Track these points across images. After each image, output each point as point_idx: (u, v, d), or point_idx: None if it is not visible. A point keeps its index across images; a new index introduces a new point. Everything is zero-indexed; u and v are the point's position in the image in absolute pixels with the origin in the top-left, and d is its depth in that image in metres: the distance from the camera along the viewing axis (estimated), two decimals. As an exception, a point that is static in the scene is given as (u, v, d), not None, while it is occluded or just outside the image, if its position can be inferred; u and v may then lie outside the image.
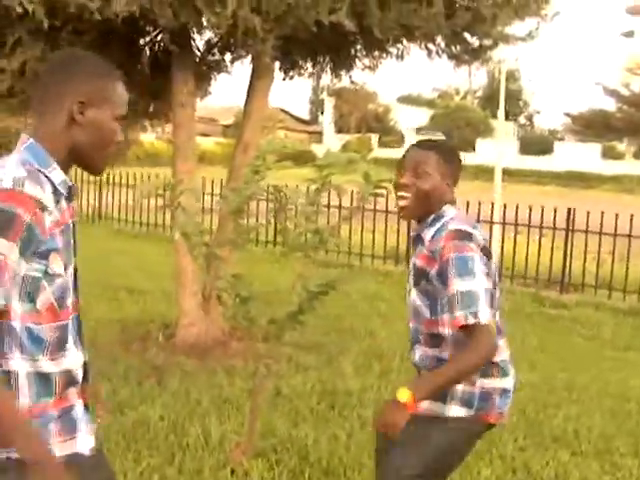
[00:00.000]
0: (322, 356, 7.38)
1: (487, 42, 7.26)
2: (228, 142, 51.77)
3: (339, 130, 62.37)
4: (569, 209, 11.60)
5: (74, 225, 2.27)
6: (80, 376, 2.30)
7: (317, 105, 74.19)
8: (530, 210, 11.67)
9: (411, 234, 3.19)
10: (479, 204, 11.90)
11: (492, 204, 12.82)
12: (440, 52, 7.28)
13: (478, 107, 66.90)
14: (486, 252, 2.99)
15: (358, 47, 8.11)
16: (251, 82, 7.85)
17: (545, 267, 11.63)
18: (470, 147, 52.55)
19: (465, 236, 2.95)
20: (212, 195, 14.16)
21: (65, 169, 2.22)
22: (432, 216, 3.09)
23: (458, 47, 7.21)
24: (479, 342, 2.81)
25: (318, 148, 56.48)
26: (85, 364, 2.33)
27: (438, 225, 3.06)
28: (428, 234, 3.07)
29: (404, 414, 2.73)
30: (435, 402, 3.07)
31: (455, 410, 3.09)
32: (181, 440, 5.07)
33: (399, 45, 7.71)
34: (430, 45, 7.30)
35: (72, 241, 2.24)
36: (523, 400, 6.15)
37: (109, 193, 17.99)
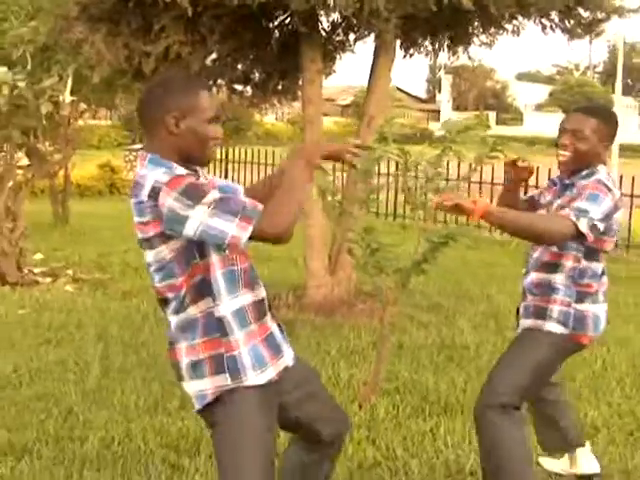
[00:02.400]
0: (441, 315, 7.87)
1: (600, 15, 7.57)
2: (346, 121, 52.41)
3: (456, 108, 62.14)
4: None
5: None
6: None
7: (434, 84, 74.07)
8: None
9: (563, 181, 3.72)
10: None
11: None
12: (554, 27, 7.63)
13: (598, 82, 65.51)
14: (617, 209, 3.52)
15: (475, 24, 8.47)
16: (374, 60, 8.33)
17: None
18: (590, 123, 51.61)
19: (607, 187, 3.49)
20: (334, 171, 14.74)
21: (186, 167, 2.76)
22: (586, 171, 3.61)
23: (571, 21, 7.54)
24: (565, 229, 3.33)
25: (436, 126, 56.48)
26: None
27: (591, 178, 3.57)
28: (580, 183, 3.57)
29: (467, 208, 3.28)
30: (536, 320, 3.66)
31: (553, 326, 3.63)
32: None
33: (514, 21, 8.08)
34: (544, 20, 7.65)
35: None
36: (633, 353, 6.52)
37: (234, 170, 18.81)
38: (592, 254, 3.62)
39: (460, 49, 9.32)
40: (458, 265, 10.45)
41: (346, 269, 8.11)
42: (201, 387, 2.79)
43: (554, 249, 3.62)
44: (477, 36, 8.75)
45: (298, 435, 3.25)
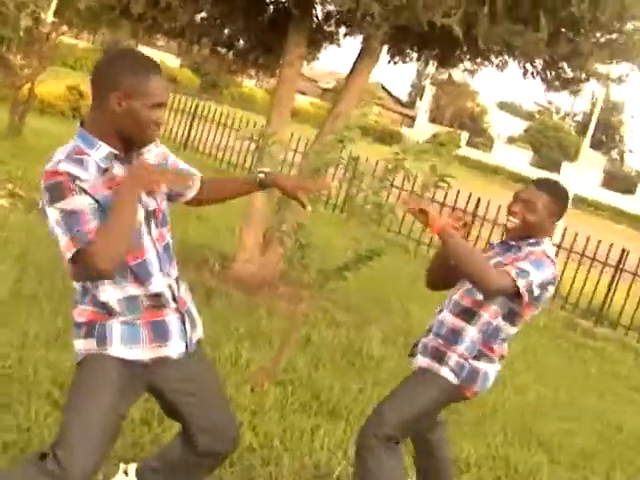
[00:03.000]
0: (356, 318, 8.00)
1: (580, 75, 7.74)
2: (322, 104, 52.39)
3: (432, 120, 62.56)
4: (623, 249, 12.02)
5: None
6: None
7: (417, 90, 74.35)
8: (587, 241, 12.06)
9: (507, 242, 3.84)
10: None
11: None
12: (535, 74, 7.78)
13: (574, 130, 66.39)
14: (553, 283, 3.71)
15: (464, 50, 8.61)
16: (357, 58, 8.41)
17: (587, 297, 12.05)
18: (555, 168, 52.38)
19: (551, 260, 3.67)
20: (296, 151, 14.81)
21: (117, 145, 2.81)
22: (532, 240, 3.75)
23: (553, 73, 7.69)
24: (503, 282, 3.52)
25: (408, 132, 56.82)
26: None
27: (537, 247, 3.71)
28: (525, 249, 3.72)
29: (432, 217, 3.50)
30: (433, 362, 3.79)
31: (447, 373, 3.76)
32: (214, 354, 5.74)
33: (500, 57, 8.22)
34: (527, 65, 7.80)
35: None
36: (526, 402, 6.73)
37: (199, 126, 18.75)
38: (512, 317, 3.75)
39: (445, 69, 9.50)
40: (389, 273, 10.59)
41: (277, 252, 8.18)
42: (78, 346, 2.95)
43: (478, 296, 3.71)
44: (463, 61, 8.88)
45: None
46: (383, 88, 61.99)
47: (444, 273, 3.90)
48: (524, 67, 7.73)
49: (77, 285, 2.93)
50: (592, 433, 6.79)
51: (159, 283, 2.96)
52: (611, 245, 11.85)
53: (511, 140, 63.43)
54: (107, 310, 2.89)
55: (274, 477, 4.35)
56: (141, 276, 2.90)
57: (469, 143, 58.54)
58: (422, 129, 58.62)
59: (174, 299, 3.01)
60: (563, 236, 12.77)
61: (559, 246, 12.64)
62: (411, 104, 73.46)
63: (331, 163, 4.72)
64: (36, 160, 11.38)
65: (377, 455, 3.72)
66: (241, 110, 25.63)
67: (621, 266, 12.04)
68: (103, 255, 2.65)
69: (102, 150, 2.79)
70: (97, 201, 2.72)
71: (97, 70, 2.82)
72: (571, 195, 15.30)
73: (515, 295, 3.58)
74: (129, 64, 2.78)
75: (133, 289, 2.90)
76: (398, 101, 70.93)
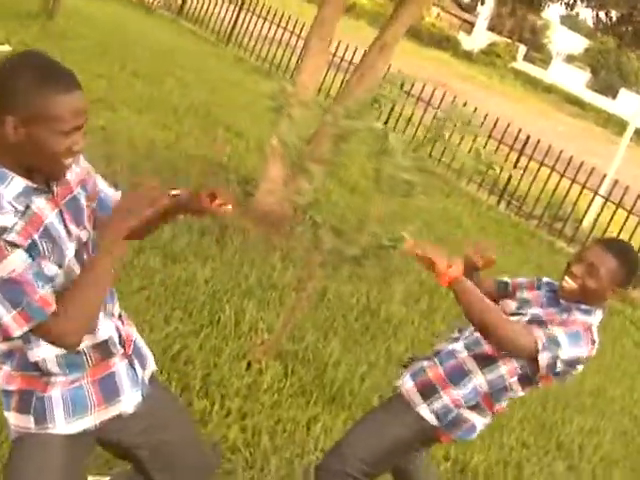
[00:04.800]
0: (380, 270, 7.39)
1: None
2: (380, 1, 50.77)
3: (492, 28, 60.47)
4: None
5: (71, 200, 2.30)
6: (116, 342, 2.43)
7: (481, -6, 71.75)
8: (638, 197, 11.30)
9: (555, 295, 3.27)
10: (591, 170, 11.67)
11: (604, 175, 12.54)
12: (608, 27, 6.99)
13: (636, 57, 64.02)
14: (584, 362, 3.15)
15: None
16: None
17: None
18: (611, 93, 50.72)
19: (592, 340, 3.10)
20: (334, 55, 14.06)
21: (31, 176, 2.17)
22: (584, 307, 3.16)
23: (629, 29, 6.90)
24: (525, 348, 3.00)
25: (465, 38, 55.14)
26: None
27: (584, 317, 3.14)
28: (573, 314, 3.15)
29: (440, 267, 2.99)
30: (416, 394, 3.30)
31: (427, 414, 3.27)
32: (215, 314, 5.22)
33: None
34: (601, 14, 7.00)
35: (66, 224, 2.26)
36: (546, 395, 6.17)
37: (245, 19, 17.88)
38: (526, 380, 3.22)
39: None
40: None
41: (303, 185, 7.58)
42: (11, 420, 2.38)
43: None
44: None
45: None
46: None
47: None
48: (597, 16, 6.92)
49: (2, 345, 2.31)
50: (618, 433, 6.25)
51: (105, 328, 2.40)
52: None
53: (570, 59, 61.29)
54: (42, 372, 2.31)
55: (256, 485, 3.88)
56: None
57: (526, 57, 56.74)
58: (480, 37, 56.79)
59: (120, 342, 2.46)
60: (612, 187, 12.02)
61: (606, 199, 11.93)
62: (472, 9, 71.01)
63: (357, 132, 4.08)
64: (65, 50, 10.78)
65: None
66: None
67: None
68: (74, 331, 2.15)
69: (15, 185, 2.13)
70: (29, 249, 2.10)
71: None
72: (632, 130, 14.46)
73: (534, 363, 3.02)
74: (28, 78, 2.07)
75: None
76: (458, 4, 68.57)
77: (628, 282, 3.18)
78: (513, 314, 3.29)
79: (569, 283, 3.16)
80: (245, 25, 17.75)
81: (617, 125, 38.26)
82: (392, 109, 13.04)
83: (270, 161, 7.72)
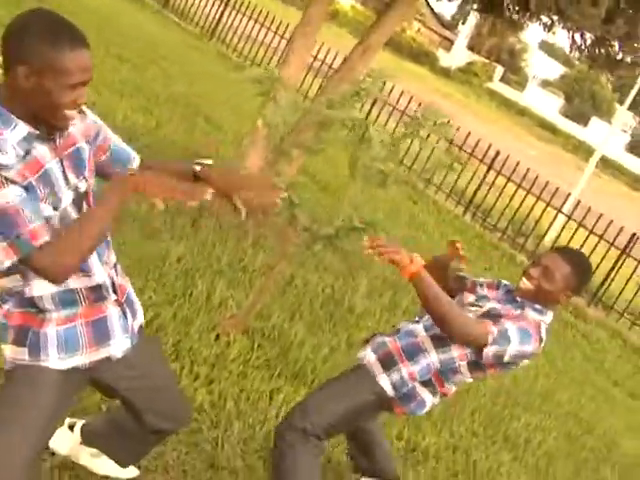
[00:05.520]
0: (346, 264, 7.64)
1: (629, 59, 7.26)
2: (362, 11, 51.24)
3: (471, 47, 61.15)
4: (634, 234, 11.63)
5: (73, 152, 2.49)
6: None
7: (462, 13, 72.49)
8: (598, 219, 11.65)
9: (513, 295, 3.52)
10: (556, 190, 12.01)
11: (568, 194, 12.92)
12: (582, 47, 7.29)
13: (610, 86, 64.99)
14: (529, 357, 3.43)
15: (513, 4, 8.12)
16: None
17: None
18: (582, 121, 51.49)
19: (540, 337, 3.36)
20: (315, 58, 14.37)
21: (35, 124, 2.35)
22: (537, 306, 3.45)
23: (602, 52, 7.20)
24: (475, 339, 3.26)
25: (443, 55, 55.70)
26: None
27: (536, 316, 3.41)
28: (528, 311, 3.42)
29: (402, 262, 3.20)
30: (377, 364, 3.57)
31: (386, 385, 3.54)
32: (187, 288, 5.44)
33: (549, 20, 7.72)
34: (577, 37, 7.30)
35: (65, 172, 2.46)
36: (501, 387, 6.46)
37: (230, 16, 18.07)
38: (475, 367, 3.49)
39: (488, 16, 9.03)
40: (389, 217, 10.24)
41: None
42: (6, 352, 2.58)
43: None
44: (509, 13, 8.41)
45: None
46: (427, 3, 60.43)
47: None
48: (572, 38, 7.23)
49: (5, 282, 2.50)
50: (562, 432, 6.55)
51: (100, 273, 2.60)
52: (621, 228, 11.42)
53: (545, 84, 62.10)
54: (38, 308, 2.51)
55: (220, 443, 4.09)
56: (80, 267, 2.48)
57: (503, 79, 57.40)
58: (458, 55, 57.39)
59: (114, 289, 2.67)
60: (575, 207, 12.39)
61: (569, 217, 12.28)
62: (452, 27, 71.75)
63: (339, 122, 4.33)
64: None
65: (296, 451, 3.50)
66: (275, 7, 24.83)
67: (627, 250, 11.64)
68: (59, 268, 2.31)
69: (19, 130, 2.32)
70: (26, 189, 2.29)
71: (6, 35, 2.29)
72: (598, 156, 14.90)
73: (480, 352, 3.30)
74: (42, 32, 2.26)
75: (71, 282, 2.51)
76: (439, 20, 69.19)
77: (579, 289, 3.49)
78: (472, 304, 3.56)
79: (525, 283, 3.44)
80: (229, 22, 17.96)
81: (586, 152, 38.87)
82: (367, 116, 13.31)
83: (248, 151, 7.94)
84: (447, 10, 79.84)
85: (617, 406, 8.32)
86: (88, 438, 3.37)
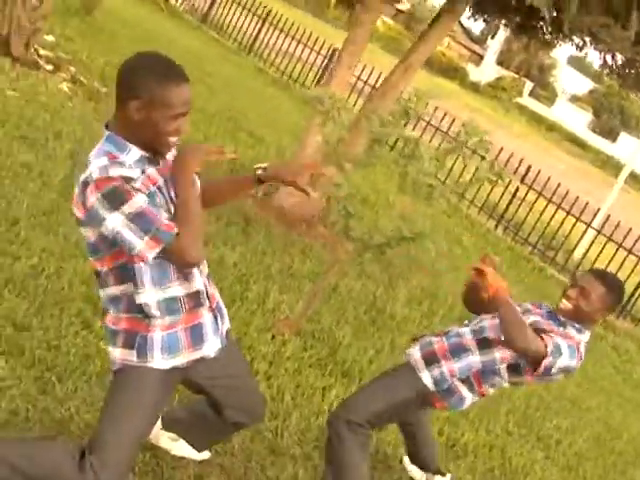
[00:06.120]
0: (386, 274, 8.04)
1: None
2: (392, 26, 51.65)
3: (500, 62, 61.37)
4: (664, 250, 11.94)
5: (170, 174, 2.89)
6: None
7: (492, 28, 72.69)
8: (628, 233, 11.95)
9: (555, 315, 3.89)
10: (585, 204, 12.31)
11: (598, 209, 13.21)
12: (613, 67, 7.65)
13: (640, 102, 64.98)
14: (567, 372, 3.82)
15: (547, 26, 8.46)
16: (439, 13, 8.27)
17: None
18: (611, 137, 51.55)
19: (580, 355, 3.76)
20: (358, 78, 14.80)
21: (144, 149, 2.77)
22: (577, 325, 3.82)
23: (632, 72, 7.56)
24: (534, 350, 3.59)
25: (473, 70, 55.94)
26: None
27: (576, 335, 3.79)
28: (568, 330, 3.80)
29: (502, 286, 3.58)
30: (421, 361, 3.95)
31: (428, 380, 3.91)
32: (244, 291, 5.85)
33: (581, 41, 8.08)
34: (608, 57, 7.66)
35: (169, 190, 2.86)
36: (533, 392, 6.81)
37: (267, 32, 18.52)
38: (514, 371, 3.84)
39: (523, 36, 9.37)
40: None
41: (323, 189, 8.19)
42: (115, 354, 2.97)
43: (502, 336, 3.75)
44: (543, 35, 8.75)
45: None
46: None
47: (477, 306, 3.98)
48: (604, 59, 7.59)
49: (108, 291, 2.91)
50: (592, 435, 6.88)
51: (198, 280, 2.99)
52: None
53: (574, 99, 62.31)
54: (145, 315, 2.88)
55: (279, 433, 4.49)
56: (184, 273, 2.91)
57: (532, 94, 57.60)
58: (488, 69, 57.64)
59: (207, 296, 3.05)
60: (605, 222, 12.70)
61: (599, 232, 12.57)
62: (482, 41, 71.96)
63: (389, 136, 4.73)
64: (103, 44, 11.42)
65: (342, 440, 3.89)
66: (312, 16, 25.18)
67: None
68: (192, 246, 2.71)
69: (133, 154, 2.75)
70: (149, 197, 2.72)
71: (120, 74, 2.74)
72: (628, 171, 15.20)
73: (535, 363, 3.65)
74: (151, 72, 2.70)
75: (176, 288, 2.90)
76: (469, 35, 69.50)
77: (614, 308, 3.89)
78: None
79: (565, 304, 3.82)
80: (267, 38, 18.41)
81: (615, 168, 38.94)
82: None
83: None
84: (476, 25, 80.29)
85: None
86: (168, 424, 3.76)
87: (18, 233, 5.11)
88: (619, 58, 7.50)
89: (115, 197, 2.62)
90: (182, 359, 2.99)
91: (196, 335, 3.01)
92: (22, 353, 4.01)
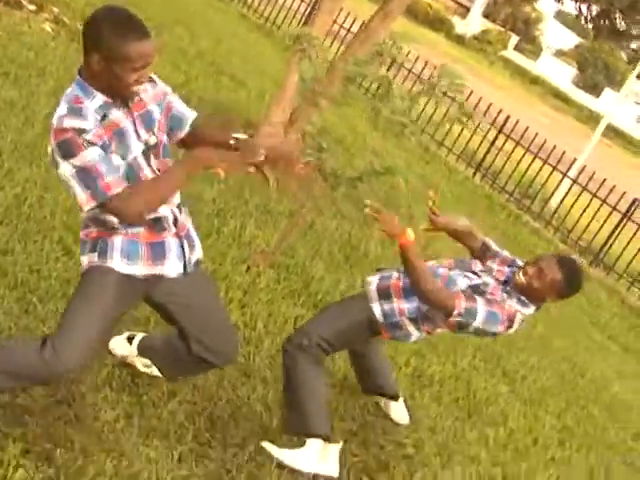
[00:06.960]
0: (362, 214, 8.14)
1: (634, 30, 7.72)
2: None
3: (486, 15, 61.04)
4: (635, 199, 12.15)
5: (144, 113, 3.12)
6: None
7: (479, -19, 72.22)
8: (602, 184, 12.14)
9: (511, 281, 4.04)
10: (562, 154, 12.49)
11: (574, 159, 13.39)
12: (588, 19, 7.76)
13: (626, 58, 64.92)
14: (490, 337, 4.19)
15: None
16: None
17: (590, 235, 12.25)
18: (595, 92, 51.59)
19: (510, 324, 3.93)
20: (341, 27, 14.84)
21: (109, 95, 2.98)
22: (523, 298, 3.96)
23: (606, 22, 7.67)
24: (443, 306, 3.85)
25: (459, 22, 55.68)
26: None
27: (518, 306, 3.94)
28: (511, 300, 3.94)
29: (400, 231, 3.86)
30: (375, 293, 4.15)
31: (377, 311, 4.12)
32: (221, 226, 6.02)
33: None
34: (583, 7, 7.77)
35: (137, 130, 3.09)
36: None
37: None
38: (426, 318, 4.08)
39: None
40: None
41: (300, 131, 8.30)
42: (83, 261, 3.25)
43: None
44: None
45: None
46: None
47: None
48: (579, 9, 7.71)
49: (83, 215, 3.17)
50: (556, 373, 7.14)
51: (163, 209, 3.19)
52: (623, 194, 11.94)
53: (560, 53, 62.14)
54: (109, 226, 3.14)
55: (251, 358, 4.69)
56: None
57: (517, 47, 57.36)
58: (474, 22, 57.33)
59: (175, 224, 3.26)
60: (580, 173, 12.91)
61: (574, 181, 12.78)
62: (469, -6, 71.49)
63: (363, 77, 4.87)
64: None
65: (296, 361, 4.07)
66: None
67: (629, 214, 12.17)
68: (127, 213, 3.00)
69: (97, 100, 2.97)
70: (103, 147, 2.94)
71: (84, 26, 2.93)
72: (605, 123, 15.37)
73: (446, 314, 3.89)
74: (113, 26, 2.86)
75: None
76: (456, -13, 68.99)
77: (565, 296, 4.01)
78: (474, 272, 4.10)
79: (519, 277, 3.97)
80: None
81: (597, 123, 39.04)
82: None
83: (273, 106, 8.47)
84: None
85: (610, 356, 8.90)
86: (143, 351, 3.97)
87: (2, 165, 5.24)
88: (594, 9, 7.61)
89: (66, 149, 2.88)
90: (140, 269, 3.21)
91: (156, 252, 3.23)
92: (5, 275, 4.19)
